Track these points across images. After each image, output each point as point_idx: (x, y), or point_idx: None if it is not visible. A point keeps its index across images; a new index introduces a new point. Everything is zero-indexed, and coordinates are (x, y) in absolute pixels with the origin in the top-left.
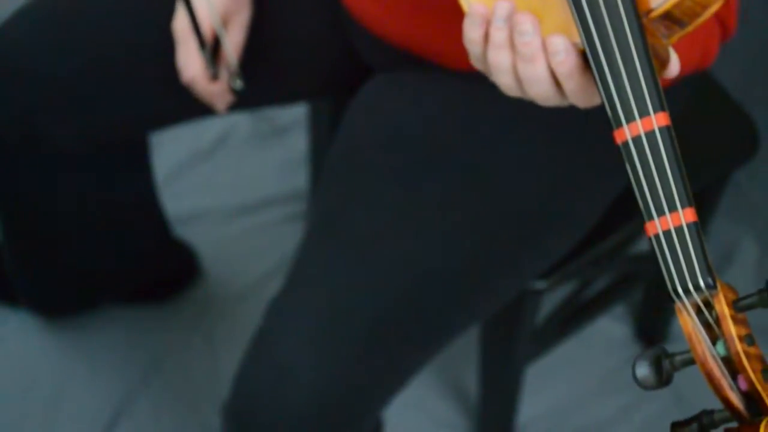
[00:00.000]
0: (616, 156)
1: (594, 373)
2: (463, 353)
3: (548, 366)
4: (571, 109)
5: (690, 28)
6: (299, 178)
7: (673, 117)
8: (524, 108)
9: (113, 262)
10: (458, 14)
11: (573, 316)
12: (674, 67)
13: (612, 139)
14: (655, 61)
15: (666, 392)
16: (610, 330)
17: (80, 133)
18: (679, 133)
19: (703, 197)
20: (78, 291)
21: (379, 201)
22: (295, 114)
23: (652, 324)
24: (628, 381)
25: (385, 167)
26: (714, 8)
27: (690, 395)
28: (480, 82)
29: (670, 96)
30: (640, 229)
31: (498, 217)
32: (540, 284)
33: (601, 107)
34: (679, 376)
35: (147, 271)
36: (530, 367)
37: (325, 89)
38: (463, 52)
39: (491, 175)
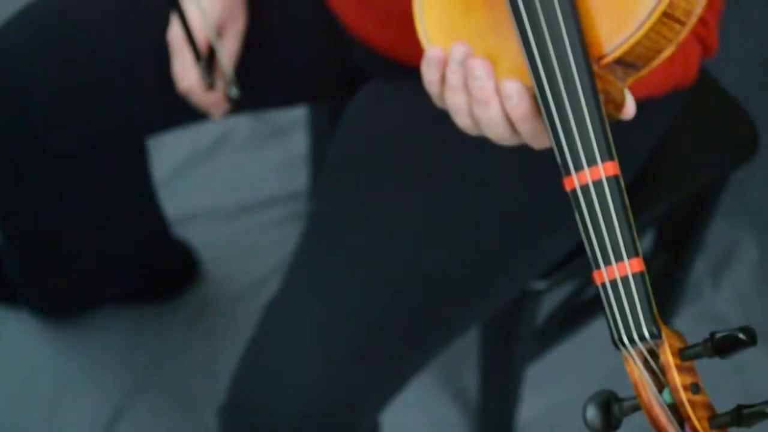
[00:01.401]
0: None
1: (594, 373)
2: (463, 353)
3: (548, 366)
4: None
5: (645, 71)
6: (299, 178)
7: (665, 127)
8: None
9: (113, 262)
10: None
11: (573, 316)
12: (629, 109)
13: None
14: (609, 105)
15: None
16: None
17: (77, 137)
18: (680, 133)
19: (703, 197)
20: (78, 291)
21: (375, 204)
22: (295, 114)
23: None
24: (628, 381)
25: (382, 170)
26: (667, 53)
27: None
28: None
29: (662, 107)
30: (640, 230)
31: (496, 219)
32: (540, 284)
33: None
34: None
35: (147, 271)
36: (530, 367)
37: (323, 93)
38: None
39: (488, 177)
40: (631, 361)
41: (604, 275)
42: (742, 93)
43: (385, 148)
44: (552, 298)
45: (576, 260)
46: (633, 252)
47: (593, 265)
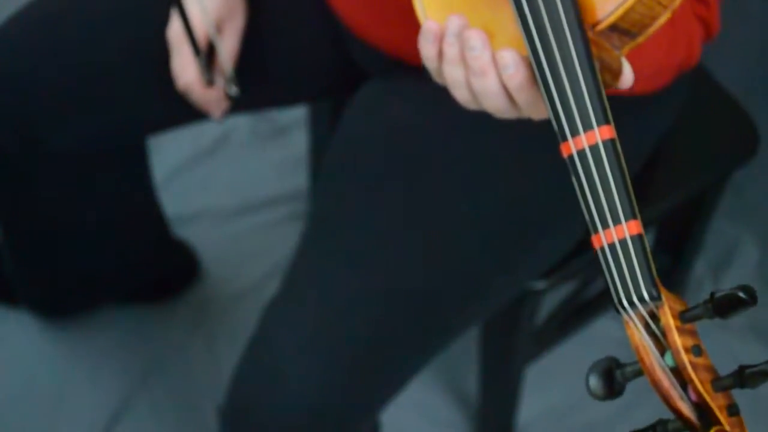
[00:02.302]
0: None
1: None
2: (463, 353)
3: (548, 366)
4: None
5: (641, 39)
6: (299, 178)
7: (672, 118)
8: None
9: (113, 262)
10: None
11: (573, 316)
12: (627, 77)
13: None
14: (606, 74)
15: None
16: (610, 330)
17: (77, 137)
18: (680, 133)
19: (703, 197)
20: (78, 291)
21: (374, 204)
22: (295, 114)
23: None
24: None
25: (381, 171)
26: (663, 19)
27: None
28: None
29: (667, 97)
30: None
31: (496, 219)
32: (540, 284)
33: None
34: None
35: (147, 271)
36: (530, 367)
37: (322, 92)
38: None
39: (488, 177)
40: (632, 324)
41: (602, 239)
42: (742, 93)
43: (384, 149)
44: (552, 298)
45: (576, 260)
46: (631, 214)
47: (591, 229)
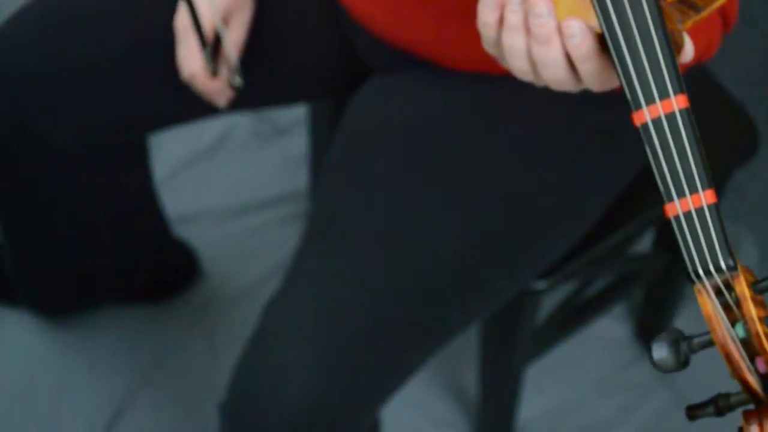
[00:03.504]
0: (615, 156)
1: (594, 373)
2: (463, 353)
3: (548, 366)
4: (571, 109)
5: (705, 13)
6: (299, 178)
7: None
8: (524, 108)
9: (113, 262)
10: (457, 14)
11: (573, 316)
12: (689, 52)
13: (611, 139)
14: None
15: (666, 392)
16: (610, 330)
17: (79, 134)
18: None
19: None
20: (78, 291)
21: (376, 202)
22: (295, 114)
23: (652, 324)
24: (628, 381)
25: (384, 167)
26: None
27: (690, 395)
28: (479, 82)
29: None
30: (640, 229)
31: (497, 217)
32: (540, 284)
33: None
34: (679, 376)
35: (147, 271)
36: (530, 367)
37: (325, 90)
38: (461, 53)
39: (490, 176)
40: (704, 294)
41: (677, 208)
42: (742, 93)
43: (386, 146)
44: (552, 298)
45: (576, 260)
46: (707, 183)
47: (666, 198)
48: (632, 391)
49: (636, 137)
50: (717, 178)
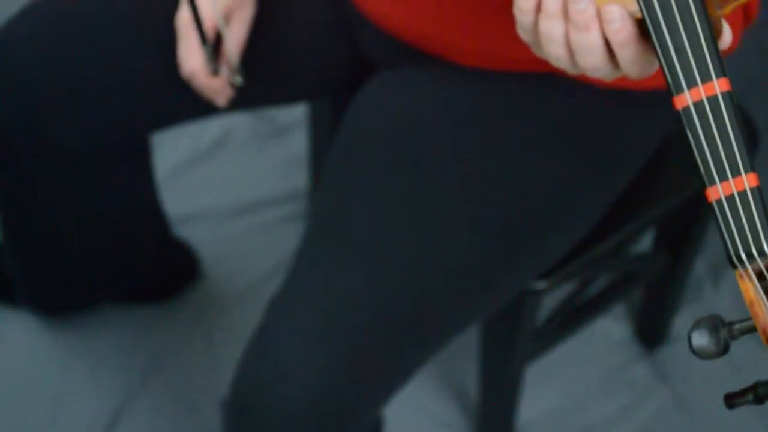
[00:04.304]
0: (617, 156)
1: (594, 373)
2: (463, 353)
3: (548, 366)
4: (573, 109)
5: (742, 0)
6: (299, 178)
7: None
8: (528, 107)
9: (113, 261)
10: (465, 7)
11: (573, 316)
12: (727, 38)
13: (613, 138)
14: None
15: (666, 392)
16: (610, 330)
17: (82, 133)
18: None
19: (703, 197)
20: (78, 291)
21: (380, 199)
22: (295, 114)
23: (652, 324)
24: (628, 381)
25: (387, 165)
26: None
27: (690, 395)
28: (483, 81)
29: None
30: (640, 229)
31: (499, 216)
32: (540, 284)
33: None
34: (679, 376)
35: (147, 271)
36: (530, 367)
37: (327, 89)
38: (468, 44)
39: (493, 174)
40: (746, 278)
41: (719, 191)
42: (742, 93)
43: (390, 142)
44: (552, 298)
45: (576, 260)
46: (749, 167)
47: (707, 181)
48: (632, 391)
49: (638, 137)
50: None
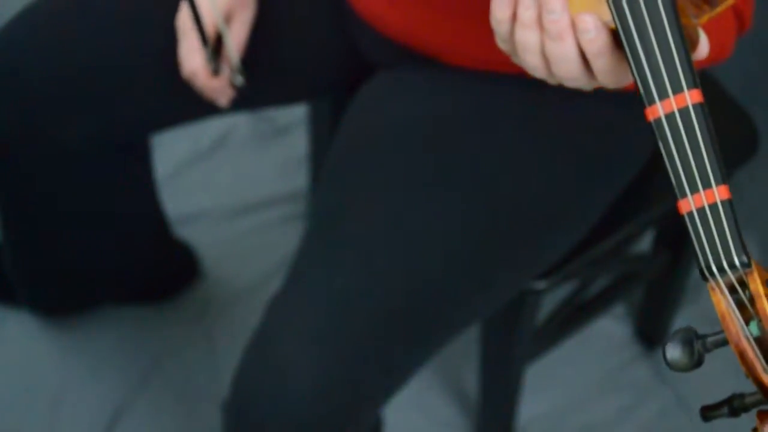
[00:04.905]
0: (617, 156)
1: (594, 373)
2: (463, 353)
3: (548, 366)
4: (573, 109)
5: (720, 9)
6: (299, 178)
7: None
8: (527, 108)
9: (113, 262)
10: (461, 9)
11: (573, 316)
12: (703, 48)
13: (613, 139)
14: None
15: (666, 392)
16: (610, 330)
17: (82, 134)
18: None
19: None
20: (78, 291)
21: (379, 200)
22: (295, 114)
23: (652, 324)
24: (628, 381)
25: (386, 166)
26: None
27: (690, 395)
28: (483, 81)
29: None
30: (640, 229)
31: (499, 216)
32: (540, 284)
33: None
34: (679, 376)
35: (147, 271)
36: (530, 367)
37: (326, 89)
38: (465, 48)
39: (493, 175)
40: (718, 291)
41: (690, 203)
42: (742, 93)
43: (389, 142)
44: (552, 298)
45: (576, 260)
46: (721, 179)
47: (679, 194)
48: (632, 391)
49: (637, 137)
50: None
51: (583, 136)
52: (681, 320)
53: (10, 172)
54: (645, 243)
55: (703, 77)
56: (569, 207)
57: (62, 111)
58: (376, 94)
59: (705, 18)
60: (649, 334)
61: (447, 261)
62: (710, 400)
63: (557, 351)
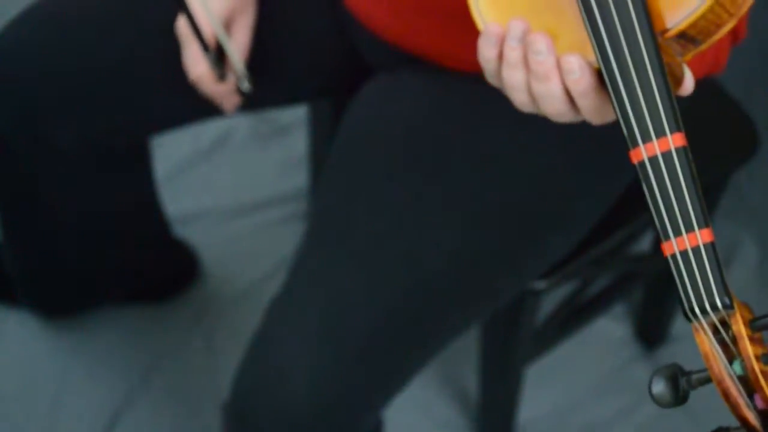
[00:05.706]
0: (617, 157)
1: (594, 373)
2: (463, 353)
3: (548, 366)
4: None
5: (704, 46)
6: (299, 178)
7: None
8: None
9: (113, 262)
10: (460, 17)
11: (573, 316)
12: (688, 84)
13: (612, 139)
14: (669, 80)
15: None
16: (610, 330)
17: (82, 136)
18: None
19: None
20: (78, 291)
21: (378, 201)
22: (295, 114)
23: (652, 324)
24: (628, 381)
25: (385, 167)
26: (728, 27)
27: (690, 395)
28: (482, 83)
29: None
30: (640, 229)
31: (498, 217)
32: (540, 284)
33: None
34: None
35: (147, 271)
36: (530, 367)
37: (327, 90)
38: (464, 54)
39: (491, 176)
40: (701, 332)
41: (674, 246)
42: (742, 93)
43: (389, 145)
44: (552, 298)
45: (576, 260)
46: (704, 222)
47: (662, 236)
48: (632, 391)
49: None
50: (716, 178)
51: (583, 137)
52: (681, 320)
53: (9, 173)
54: (645, 243)
55: (702, 77)
56: (569, 208)
57: (62, 112)
58: (376, 95)
59: (689, 55)
60: (649, 334)
61: (447, 262)
62: (710, 400)
63: (557, 351)
